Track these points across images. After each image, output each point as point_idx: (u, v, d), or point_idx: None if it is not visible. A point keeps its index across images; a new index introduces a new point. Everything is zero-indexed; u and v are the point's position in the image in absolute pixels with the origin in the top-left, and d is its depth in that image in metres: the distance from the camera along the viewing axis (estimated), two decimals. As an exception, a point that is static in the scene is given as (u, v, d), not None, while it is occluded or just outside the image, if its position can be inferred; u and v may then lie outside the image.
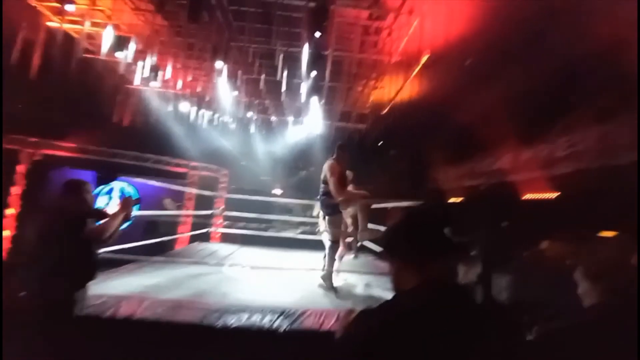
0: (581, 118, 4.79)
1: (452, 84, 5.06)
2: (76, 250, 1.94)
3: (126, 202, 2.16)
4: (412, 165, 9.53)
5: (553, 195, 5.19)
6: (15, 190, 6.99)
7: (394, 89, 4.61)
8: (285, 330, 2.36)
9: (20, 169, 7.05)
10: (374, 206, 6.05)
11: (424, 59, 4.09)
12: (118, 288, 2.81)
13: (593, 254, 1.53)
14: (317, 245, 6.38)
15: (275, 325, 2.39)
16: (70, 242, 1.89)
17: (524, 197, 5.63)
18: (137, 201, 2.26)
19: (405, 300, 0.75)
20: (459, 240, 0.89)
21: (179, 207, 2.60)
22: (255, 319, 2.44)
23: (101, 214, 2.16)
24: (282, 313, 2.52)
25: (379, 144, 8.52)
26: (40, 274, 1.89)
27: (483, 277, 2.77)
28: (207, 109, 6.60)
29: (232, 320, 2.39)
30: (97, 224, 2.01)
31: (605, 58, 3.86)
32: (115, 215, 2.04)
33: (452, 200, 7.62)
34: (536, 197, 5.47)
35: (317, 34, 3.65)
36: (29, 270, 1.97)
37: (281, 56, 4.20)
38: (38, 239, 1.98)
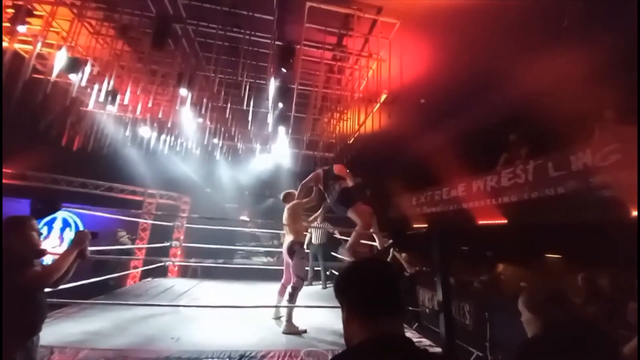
0: (520, 153, 5.45)
1: (408, 119, 5.52)
2: (20, 299, 1.65)
3: (81, 237, 1.87)
4: (376, 193, 9.90)
5: (501, 222, 5.66)
6: None
7: (358, 122, 4.88)
8: (244, 376, 2.19)
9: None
10: (340, 236, 6.14)
11: (383, 97, 4.44)
12: (53, 336, 2.42)
13: (535, 284, 1.66)
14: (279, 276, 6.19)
15: (233, 371, 2.21)
16: (11, 290, 1.60)
17: (476, 224, 6.07)
18: (95, 235, 1.96)
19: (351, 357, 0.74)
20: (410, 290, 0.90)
21: (132, 240, 2.37)
22: (211, 365, 2.24)
23: (44, 253, 1.87)
24: (241, 356, 2.34)
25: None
26: None
27: (443, 304, 2.85)
28: (169, 135, 6.37)
29: (185, 369, 2.17)
30: (43, 264, 1.75)
31: (538, 104, 4.54)
32: (67, 253, 1.78)
33: (412, 226, 7.96)
34: (487, 224, 5.93)
35: (283, 70, 3.81)
36: None
37: (247, 87, 4.28)
38: None
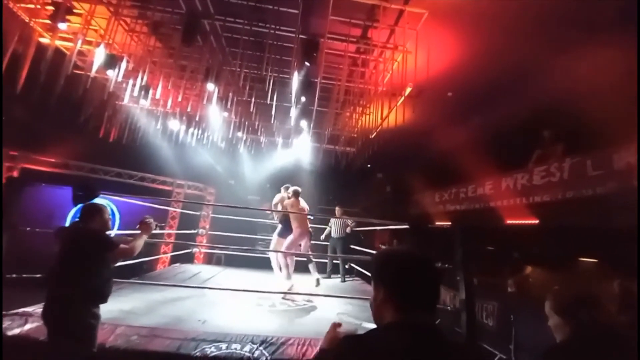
0: (555, 150, 5.13)
1: (433, 114, 5.35)
2: (106, 271, 2.13)
3: (150, 224, 2.42)
4: (397, 188, 9.74)
5: (531, 222, 5.39)
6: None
7: (381, 116, 4.81)
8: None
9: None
10: (365, 228, 6.12)
11: (407, 90, 4.33)
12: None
13: (564, 288, 1.58)
14: (302, 268, 6.31)
15: (255, 354, 2.32)
16: (101, 263, 2.09)
17: (504, 224, 5.82)
18: (156, 226, 2.50)
19: (388, 337, 0.76)
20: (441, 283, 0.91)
21: (161, 227, 2.56)
22: (235, 347, 2.36)
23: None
24: (262, 342, 2.44)
25: (367, 167, 8.72)
26: (68, 298, 1.96)
27: (466, 303, 2.79)
28: (197, 128, 6.62)
29: (210, 350, 2.30)
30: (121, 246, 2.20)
31: (576, 99, 4.23)
32: (140, 236, 2.33)
33: (434, 224, 7.77)
34: (515, 224, 5.67)
35: (307, 64, 3.83)
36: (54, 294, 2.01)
37: (272, 81, 4.34)
38: (67, 261, 2.05)
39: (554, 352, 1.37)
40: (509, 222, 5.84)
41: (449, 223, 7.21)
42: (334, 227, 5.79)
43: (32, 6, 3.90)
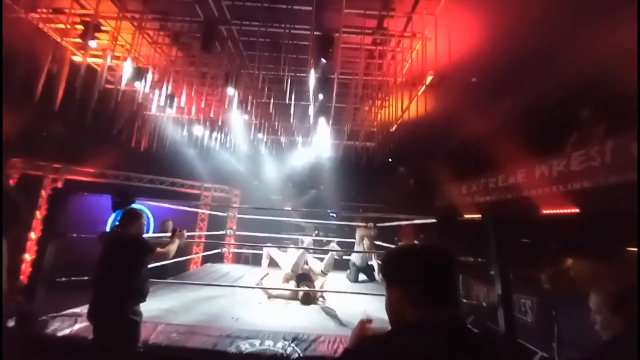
0: (595, 131, 4.73)
1: (458, 101, 5.12)
2: (145, 272, 2.32)
3: (180, 234, 2.69)
4: (420, 181, 9.48)
5: (569, 211, 5.04)
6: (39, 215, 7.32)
7: (400, 108, 4.69)
8: (298, 356, 2.32)
9: (44, 193, 7.42)
10: (388, 224, 5.99)
11: (428, 79, 4.18)
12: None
13: (612, 282, 1.45)
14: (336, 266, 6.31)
15: (288, 351, 2.36)
16: (141, 265, 2.29)
17: (538, 214, 5.48)
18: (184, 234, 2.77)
19: (404, 337, 0.73)
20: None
21: (178, 229, 2.77)
22: (268, 344, 2.42)
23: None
24: (294, 339, 2.48)
25: (388, 161, 8.55)
26: (113, 297, 2.16)
27: (502, 299, 2.66)
28: (220, 132, 6.83)
29: (245, 347, 2.38)
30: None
31: (617, 75, 3.86)
32: (173, 241, 2.59)
33: (463, 216, 7.48)
34: (551, 214, 5.32)
35: (323, 61, 3.80)
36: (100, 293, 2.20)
37: (289, 81, 4.36)
38: (110, 263, 2.24)
39: (605, 350, 1.27)
40: (545, 212, 5.50)
41: (479, 215, 6.91)
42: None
43: (62, 26, 4.19)
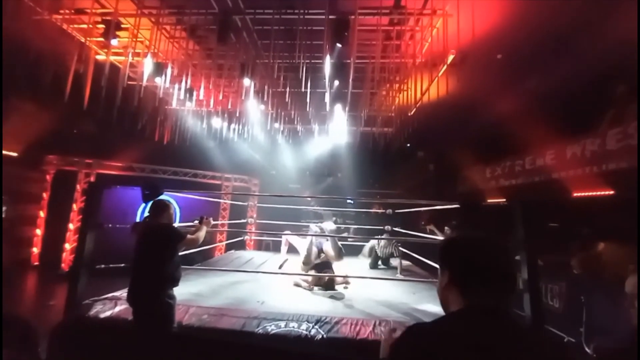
0: (632, 108, 4.37)
1: (482, 80, 4.88)
2: (177, 258, 2.47)
3: (207, 221, 2.87)
4: (441, 166, 9.22)
5: (603, 194, 4.75)
6: (75, 208, 7.85)
7: (419, 90, 4.53)
8: (322, 337, 2.40)
9: (79, 187, 7.92)
10: (418, 209, 5.88)
11: (450, 58, 3.99)
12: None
13: None
14: (346, 251, 6.38)
15: (312, 332, 2.45)
16: (174, 251, 2.43)
17: (569, 197, 5.21)
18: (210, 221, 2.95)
19: (453, 324, 0.74)
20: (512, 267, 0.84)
21: (205, 217, 2.92)
22: (293, 326, 2.51)
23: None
24: (317, 321, 2.56)
25: (407, 147, 8.36)
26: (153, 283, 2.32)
27: (530, 285, 2.59)
28: (238, 123, 6.93)
29: (271, 328, 2.49)
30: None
31: None
32: (200, 229, 2.74)
33: (487, 201, 7.24)
34: (585, 196, 5.04)
35: (338, 46, 3.72)
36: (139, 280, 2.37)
37: (304, 68, 4.32)
38: (147, 251, 2.40)
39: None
40: (576, 194, 5.22)
41: (504, 200, 6.67)
42: (377, 244, 5.30)
43: (85, 26, 4.33)
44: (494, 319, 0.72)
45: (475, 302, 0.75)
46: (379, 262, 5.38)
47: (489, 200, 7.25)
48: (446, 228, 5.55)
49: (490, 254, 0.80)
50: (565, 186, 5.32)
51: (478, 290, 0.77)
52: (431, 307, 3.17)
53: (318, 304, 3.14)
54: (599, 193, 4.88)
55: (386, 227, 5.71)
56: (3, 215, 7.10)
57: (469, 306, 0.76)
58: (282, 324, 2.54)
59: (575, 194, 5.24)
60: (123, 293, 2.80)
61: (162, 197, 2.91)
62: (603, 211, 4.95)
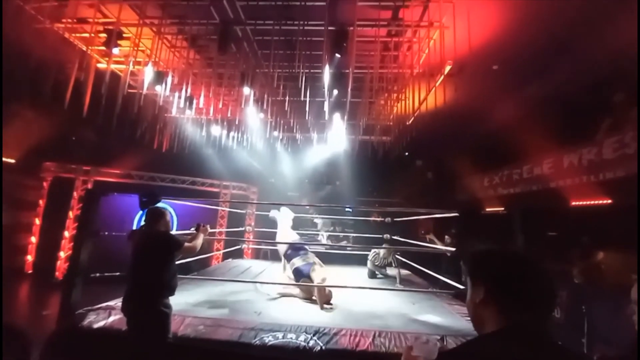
0: (629, 116, 4.43)
1: (479, 90, 4.94)
2: (174, 266, 2.43)
3: (204, 229, 2.83)
4: (439, 175, 9.25)
5: (601, 202, 4.77)
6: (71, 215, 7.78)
7: (417, 100, 4.58)
8: (320, 349, 2.35)
9: (76, 195, 7.87)
10: (415, 217, 5.87)
11: (447, 68, 4.05)
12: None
13: None
14: (345, 260, 6.33)
15: (310, 344, 2.40)
16: (171, 259, 2.41)
17: (567, 206, 5.23)
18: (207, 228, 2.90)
19: (490, 347, 0.69)
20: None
21: (202, 224, 2.86)
22: (290, 337, 2.47)
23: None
24: (316, 332, 2.52)
25: (405, 155, 8.40)
26: (147, 292, 2.29)
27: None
28: (237, 131, 6.96)
29: (268, 339, 2.44)
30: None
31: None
32: (198, 236, 2.69)
33: (485, 210, 7.24)
34: (583, 205, 5.06)
35: (337, 56, 3.77)
36: (135, 288, 2.33)
37: (304, 78, 4.37)
38: (145, 260, 2.37)
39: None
40: (574, 203, 5.23)
41: (502, 208, 6.68)
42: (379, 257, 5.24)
43: (87, 35, 4.38)
44: (539, 340, 0.69)
45: (517, 321, 0.71)
46: (377, 272, 5.32)
47: (487, 209, 7.26)
48: (446, 237, 5.53)
49: (531, 269, 0.76)
50: (563, 195, 5.34)
51: (519, 308, 0.72)
52: (432, 317, 3.13)
53: (316, 314, 3.09)
54: (597, 202, 4.90)
55: (385, 236, 5.68)
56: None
57: (513, 326, 0.71)
58: (280, 335, 2.49)
59: (573, 203, 5.25)
60: (117, 303, 2.75)
61: (158, 204, 2.90)
62: (601, 220, 4.96)
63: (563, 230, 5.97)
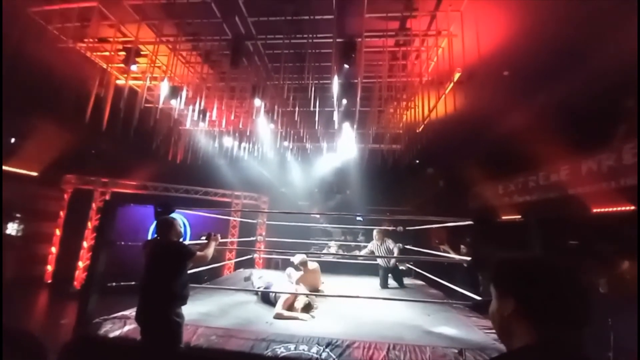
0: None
1: (490, 97, 4.89)
2: (186, 274, 2.47)
3: (215, 237, 2.86)
4: (451, 183, 9.10)
5: (625, 209, 4.57)
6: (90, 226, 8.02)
7: (427, 108, 4.57)
8: (333, 362, 2.31)
9: (94, 206, 8.13)
10: (429, 226, 5.80)
11: (456, 76, 4.05)
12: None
13: None
14: (356, 270, 6.25)
15: (323, 356, 2.36)
16: (183, 267, 2.44)
17: (587, 213, 5.03)
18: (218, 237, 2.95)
19: None
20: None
21: (213, 233, 2.87)
22: (303, 349, 2.43)
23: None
24: (328, 344, 2.48)
25: (416, 163, 8.33)
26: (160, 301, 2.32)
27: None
28: (248, 142, 7.10)
29: (280, 350, 2.41)
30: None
31: None
32: (209, 246, 2.74)
33: (500, 218, 7.05)
34: (604, 212, 4.86)
35: (346, 67, 3.83)
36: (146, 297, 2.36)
37: (313, 89, 4.45)
38: (157, 269, 2.41)
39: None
40: (595, 210, 5.04)
41: (518, 216, 6.48)
42: (378, 252, 5.27)
43: (107, 53, 4.62)
44: (577, 356, 0.66)
45: (553, 335, 0.68)
46: (389, 281, 5.24)
47: (503, 217, 7.06)
48: (462, 247, 5.40)
49: (566, 280, 0.72)
50: (583, 202, 5.15)
51: (554, 322, 0.69)
52: (448, 329, 3.03)
53: (329, 326, 3.04)
54: (619, 209, 4.71)
55: (398, 228, 5.59)
56: (19, 234, 7.30)
57: (550, 342, 0.67)
58: (292, 346, 2.46)
59: (594, 210, 5.05)
60: (132, 312, 2.78)
61: (172, 215, 2.96)
62: (624, 227, 4.75)
63: (585, 238, 5.73)
